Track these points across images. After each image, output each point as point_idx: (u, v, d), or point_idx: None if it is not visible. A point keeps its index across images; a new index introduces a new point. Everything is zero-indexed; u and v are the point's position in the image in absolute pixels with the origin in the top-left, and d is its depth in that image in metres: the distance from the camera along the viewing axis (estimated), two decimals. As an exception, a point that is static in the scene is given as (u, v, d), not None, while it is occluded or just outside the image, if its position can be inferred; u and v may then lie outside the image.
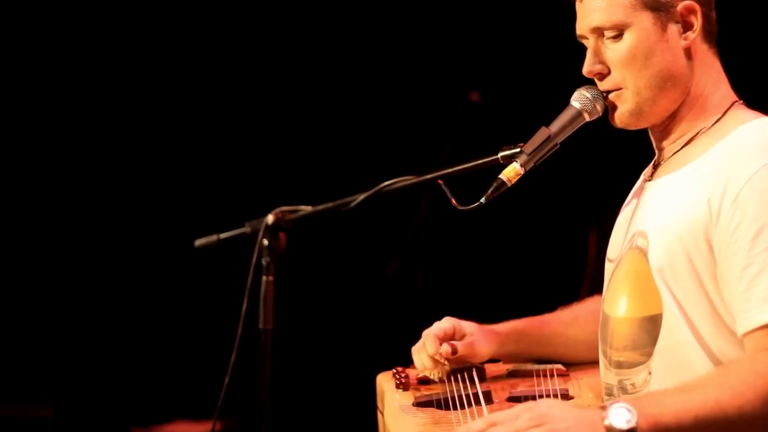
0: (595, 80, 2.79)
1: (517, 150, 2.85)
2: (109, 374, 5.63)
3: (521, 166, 2.81)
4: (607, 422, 2.37)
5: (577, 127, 2.83)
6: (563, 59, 2.95)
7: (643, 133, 2.84)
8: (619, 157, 3.57)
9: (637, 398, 2.55)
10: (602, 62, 2.75)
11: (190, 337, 5.57)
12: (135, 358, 5.63)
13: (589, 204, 5.25)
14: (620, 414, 2.37)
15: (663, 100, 2.73)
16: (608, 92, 2.77)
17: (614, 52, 2.73)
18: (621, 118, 2.76)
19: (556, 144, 2.83)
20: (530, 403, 2.44)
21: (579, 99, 2.81)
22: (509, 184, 2.81)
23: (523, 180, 2.83)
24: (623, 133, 2.81)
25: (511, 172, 2.81)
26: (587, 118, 2.81)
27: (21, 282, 5.63)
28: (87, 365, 5.64)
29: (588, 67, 2.77)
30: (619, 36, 2.71)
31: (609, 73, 2.75)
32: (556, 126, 2.82)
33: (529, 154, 2.82)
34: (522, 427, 2.37)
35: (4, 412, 5.22)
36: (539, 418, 2.38)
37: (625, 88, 2.73)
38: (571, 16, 2.81)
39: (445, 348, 2.97)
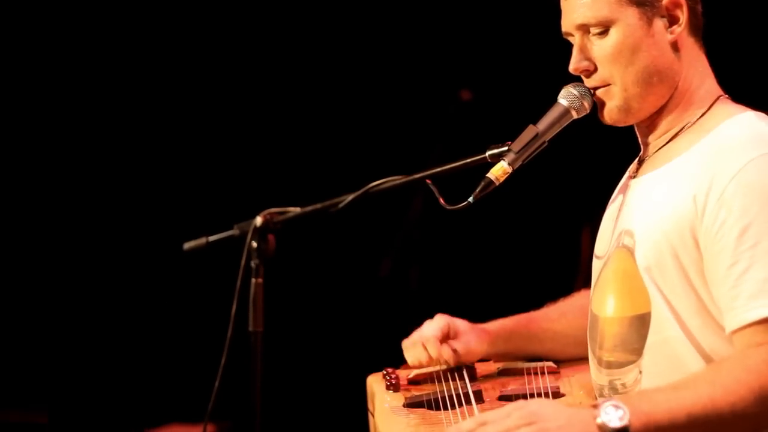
0: (582, 77, 2.78)
1: (505, 148, 2.83)
2: (102, 379, 5.62)
3: (509, 164, 2.80)
4: (599, 420, 2.35)
5: (564, 125, 2.82)
6: (554, 57, 2.94)
7: (633, 129, 2.83)
8: (610, 153, 3.56)
9: (629, 396, 2.54)
10: (588, 59, 2.74)
11: (181, 340, 5.56)
12: (128, 363, 5.62)
13: (581, 200, 5.25)
14: (612, 412, 2.36)
15: (651, 96, 2.72)
16: (596, 89, 2.76)
17: (600, 48, 2.72)
18: (610, 114, 2.75)
19: (544, 142, 2.82)
20: (521, 402, 2.43)
21: (566, 96, 2.81)
22: (497, 183, 2.79)
23: (517, 177, 2.82)
24: (614, 128, 2.81)
25: (499, 171, 2.80)
26: (575, 115, 2.81)
27: (13, 288, 5.62)
28: (80, 371, 5.63)
29: (574, 64, 2.76)
30: (604, 32, 2.71)
31: (596, 69, 2.74)
32: (543, 124, 2.82)
33: (517, 153, 2.80)
34: (512, 426, 2.36)
35: (-2, 419, 5.21)
36: (530, 417, 2.37)
37: (613, 84, 2.73)
38: (559, 15, 2.81)
39: (447, 352, 2.96)
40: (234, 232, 3.34)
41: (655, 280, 2.62)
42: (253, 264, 3.26)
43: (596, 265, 2.85)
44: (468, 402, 2.82)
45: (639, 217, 2.70)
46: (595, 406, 2.38)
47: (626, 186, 2.83)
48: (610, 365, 2.71)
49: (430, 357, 2.97)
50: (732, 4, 4.80)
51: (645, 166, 2.79)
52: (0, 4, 5.57)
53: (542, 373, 2.98)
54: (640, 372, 2.65)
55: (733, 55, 4.09)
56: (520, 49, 5.45)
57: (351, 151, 5.63)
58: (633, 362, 2.66)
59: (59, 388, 5.58)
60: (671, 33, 2.71)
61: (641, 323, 2.64)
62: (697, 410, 2.39)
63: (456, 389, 2.87)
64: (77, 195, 5.68)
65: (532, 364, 3.02)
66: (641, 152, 2.84)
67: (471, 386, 2.88)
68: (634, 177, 2.81)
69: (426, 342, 2.98)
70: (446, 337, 3.01)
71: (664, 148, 2.75)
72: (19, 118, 5.64)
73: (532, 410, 2.38)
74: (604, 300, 2.75)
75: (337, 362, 5.46)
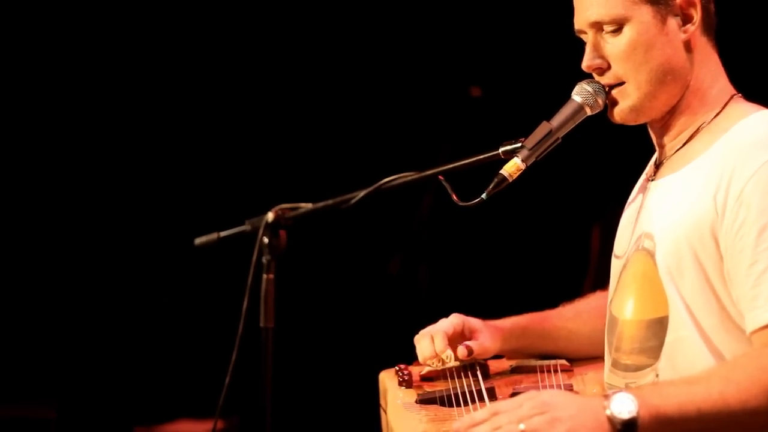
0: (594, 75, 2.77)
1: (518, 145, 2.82)
2: (111, 374, 5.63)
3: (522, 161, 2.78)
4: (608, 411, 2.35)
5: (578, 122, 2.80)
6: (565, 53, 2.93)
7: (646, 128, 2.82)
8: (621, 152, 3.56)
9: (640, 389, 2.54)
10: (602, 57, 2.73)
11: (191, 336, 5.57)
12: (137, 358, 5.63)
13: (592, 199, 5.24)
14: (622, 403, 2.36)
15: (663, 95, 2.71)
16: (610, 87, 2.75)
17: (614, 46, 2.71)
18: (621, 114, 2.75)
19: (558, 138, 2.80)
20: (532, 393, 2.43)
21: (580, 93, 2.79)
22: (510, 180, 2.78)
23: (527, 175, 2.81)
24: (626, 127, 2.80)
25: (512, 168, 2.78)
26: (589, 112, 2.79)
27: (22, 282, 5.62)
28: (89, 365, 5.63)
29: (587, 62, 2.75)
30: (618, 30, 2.70)
31: (609, 67, 2.73)
32: (557, 120, 2.80)
33: (531, 149, 2.79)
34: (525, 415, 2.36)
35: (7, 414, 5.22)
36: (542, 407, 2.37)
37: (627, 83, 2.72)
38: (572, 10, 2.80)
39: (462, 351, 2.96)
40: (245, 227, 3.34)
41: (675, 282, 2.61)
42: (264, 260, 3.26)
43: (615, 265, 2.84)
44: (481, 399, 2.81)
45: (659, 219, 2.69)
46: (606, 397, 2.38)
47: (645, 188, 2.82)
48: (627, 368, 2.71)
49: (435, 352, 2.96)
50: (745, 3, 4.79)
51: (663, 168, 2.77)
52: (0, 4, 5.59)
53: (555, 371, 2.97)
54: (657, 375, 2.64)
55: (746, 55, 4.08)
56: (531, 46, 5.44)
57: (363, 147, 5.63)
58: (650, 366, 2.65)
59: (68, 384, 5.58)
60: (684, 32, 2.70)
61: (660, 326, 2.64)
62: (708, 406, 2.38)
63: (469, 386, 2.86)
64: (90, 191, 5.69)
65: (545, 362, 3.02)
66: (657, 154, 2.82)
67: (484, 383, 2.87)
68: (653, 179, 2.79)
69: (434, 335, 2.97)
70: (461, 336, 3.00)
71: (681, 150, 2.74)
72: (38, 112, 5.66)
73: (544, 400, 2.39)
74: (624, 302, 2.74)
75: (349, 358, 5.46)
